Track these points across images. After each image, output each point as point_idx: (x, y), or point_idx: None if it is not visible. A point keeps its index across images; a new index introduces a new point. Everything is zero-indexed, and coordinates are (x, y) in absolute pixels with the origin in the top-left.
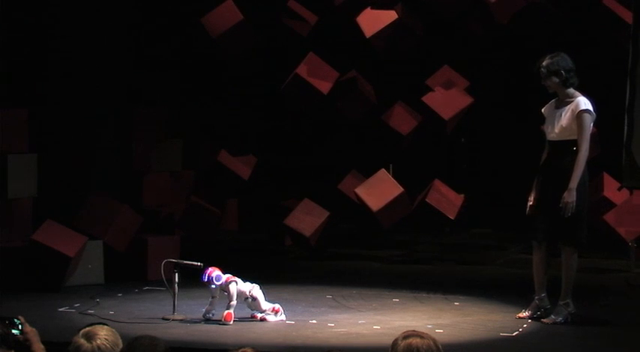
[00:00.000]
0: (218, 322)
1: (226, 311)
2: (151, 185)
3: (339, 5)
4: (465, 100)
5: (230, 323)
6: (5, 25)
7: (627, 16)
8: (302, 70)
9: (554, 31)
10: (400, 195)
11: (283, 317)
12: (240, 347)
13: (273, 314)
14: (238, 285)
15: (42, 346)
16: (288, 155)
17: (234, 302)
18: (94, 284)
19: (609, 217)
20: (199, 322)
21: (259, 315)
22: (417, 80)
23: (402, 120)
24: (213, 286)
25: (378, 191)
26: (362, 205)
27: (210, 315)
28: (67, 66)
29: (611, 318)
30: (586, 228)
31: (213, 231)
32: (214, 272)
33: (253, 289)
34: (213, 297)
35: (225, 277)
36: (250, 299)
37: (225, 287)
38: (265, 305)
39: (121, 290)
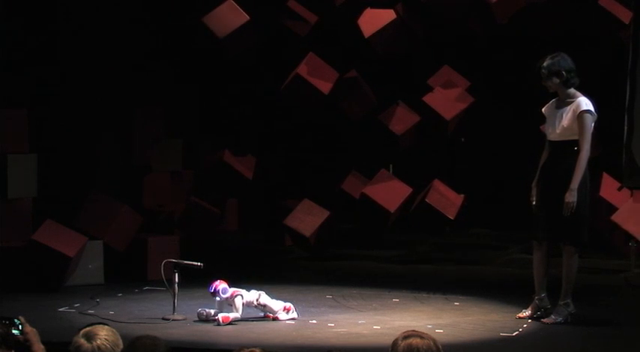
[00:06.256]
0: (213, 321)
1: (227, 314)
2: (151, 185)
3: (340, 5)
4: (466, 100)
5: (223, 324)
6: (6, 25)
7: (624, 15)
8: (302, 70)
9: (554, 31)
10: (410, 195)
11: (295, 314)
12: (242, 348)
13: (285, 312)
14: (244, 298)
15: (42, 346)
16: (288, 155)
17: (238, 316)
18: (94, 284)
19: (617, 217)
20: (199, 322)
21: (272, 315)
22: (417, 80)
23: (398, 120)
24: (218, 298)
25: (388, 191)
26: (369, 205)
27: (204, 317)
28: (67, 66)
29: (611, 318)
30: (587, 228)
31: (213, 231)
32: (221, 285)
33: (260, 298)
34: (218, 310)
35: (231, 291)
36: (260, 307)
37: (230, 301)
38: (276, 306)
39: (121, 290)
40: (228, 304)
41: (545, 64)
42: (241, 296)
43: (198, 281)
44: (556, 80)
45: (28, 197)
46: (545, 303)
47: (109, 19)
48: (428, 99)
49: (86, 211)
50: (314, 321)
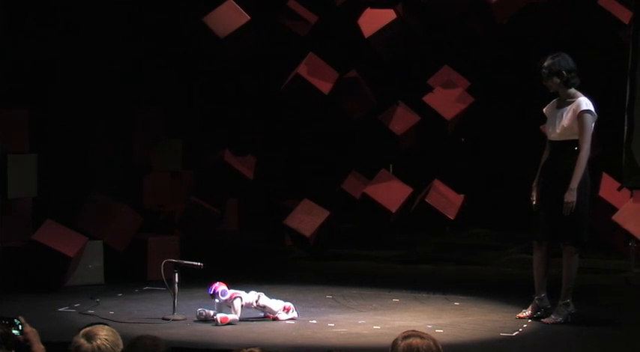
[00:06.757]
0: (211, 322)
1: (225, 315)
2: (151, 185)
3: (340, 5)
4: (466, 100)
5: (221, 325)
6: (7, 25)
7: (624, 15)
8: (302, 70)
9: (554, 31)
10: (410, 195)
11: (295, 314)
12: (242, 348)
13: (285, 312)
14: (243, 300)
15: (42, 346)
16: (288, 155)
17: (237, 318)
18: (94, 284)
19: (617, 217)
20: (199, 322)
21: (272, 315)
22: (417, 80)
23: (397, 120)
24: (218, 300)
25: (389, 191)
26: (370, 205)
27: (204, 318)
28: (67, 66)
29: (611, 318)
30: (587, 228)
31: (213, 231)
32: (220, 287)
33: (259, 299)
34: (217, 312)
35: (230, 293)
36: (260, 308)
37: (229, 303)
38: (276, 306)
39: (121, 290)
40: (228, 306)
41: (545, 63)
42: (240, 298)
43: (198, 281)
44: (556, 80)
45: (28, 197)
46: (545, 303)
47: (108, 18)
48: (428, 99)
49: (86, 211)
50: (314, 321)
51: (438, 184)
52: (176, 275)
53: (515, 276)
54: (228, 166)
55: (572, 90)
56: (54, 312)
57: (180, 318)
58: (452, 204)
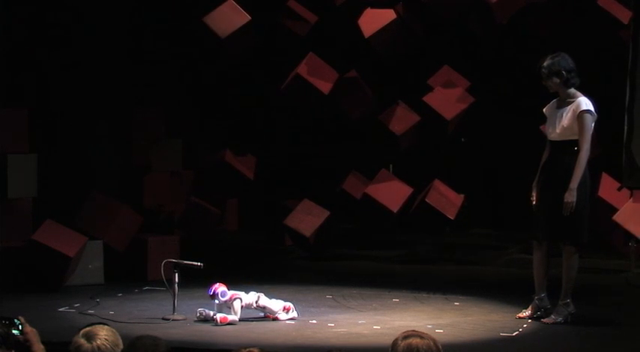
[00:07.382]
0: (211, 322)
1: (225, 315)
2: (151, 185)
3: (340, 5)
4: (466, 100)
5: (221, 324)
6: (7, 25)
7: (624, 15)
8: (302, 70)
9: (554, 31)
10: (411, 195)
11: (295, 314)
12: (242, 348)
13: (285, 312)
14: (243, 300)
15: (42, 346)
16: (288, 155)
17: (236, 319)
18: (94, 284)
19: (618, 217)
20: (199, 322)
21: (272, 315)
22: (417, 80)
23: (398, 121)
24: (217, 301)
25: (390, 191)
26: (371, 205)
27: (204, 318)
28: (67, 66)
29: (611, 318)
30: (587, 227)
31: (213, 231)
32: (220, 288)
33: (259, 300)
34: (216, 312)
35: (230, 294)
36: (260, 309)
37: (229, 304)
38: (276, 306)
39: (121, 290)
40: (227, 307)
41: (545, 63)
42: (240, 299)
43: (198, 281)
44: (556, 80)
45: (28, 197)
46: (545, 303)
47: (109, 18)
48: (428, 99)
49: (86, 211)
50: (314, 321)
51: (438, 184)
52: (176, 275)
53: (515, 276)
54: (228, 166)
55: (572, 90)
56: (54, 312)
57: (180, 318)
58: (452, 204)
